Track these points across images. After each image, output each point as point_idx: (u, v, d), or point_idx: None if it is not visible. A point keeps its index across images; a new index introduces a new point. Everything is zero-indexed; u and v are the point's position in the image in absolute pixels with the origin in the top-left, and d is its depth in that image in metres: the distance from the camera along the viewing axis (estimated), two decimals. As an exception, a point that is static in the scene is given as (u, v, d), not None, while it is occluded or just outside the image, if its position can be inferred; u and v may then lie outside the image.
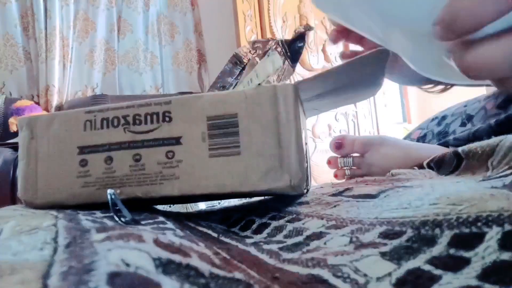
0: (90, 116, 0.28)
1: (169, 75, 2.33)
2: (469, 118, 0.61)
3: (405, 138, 0.69)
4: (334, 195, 0.30)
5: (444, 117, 0.64)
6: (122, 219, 0.24)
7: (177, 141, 0.28)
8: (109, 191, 0.26)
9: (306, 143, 0.34)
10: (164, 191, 0.28)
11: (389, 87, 2.49)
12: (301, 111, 0.31)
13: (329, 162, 0.59)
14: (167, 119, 0.28)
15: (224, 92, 0.28)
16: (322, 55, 2.35)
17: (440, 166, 0.36)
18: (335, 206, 0.27)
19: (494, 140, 0.30)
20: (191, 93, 2.15)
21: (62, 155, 0.28)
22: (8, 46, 1.88)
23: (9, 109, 1.67)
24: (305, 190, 0.33)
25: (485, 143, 0.30)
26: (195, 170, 0.27)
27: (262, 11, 2.25)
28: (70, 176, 0.28)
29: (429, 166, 0.39)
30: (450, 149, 0.37)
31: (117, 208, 0.24)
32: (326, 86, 0.48)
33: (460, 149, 0.33)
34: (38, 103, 1.92)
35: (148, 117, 0.28)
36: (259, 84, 0.29)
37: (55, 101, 1.97)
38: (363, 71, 0.48)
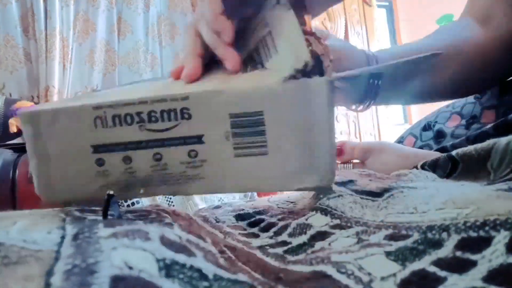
0: (99, 112, 0.26)
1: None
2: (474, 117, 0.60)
3: (397, 142, 0.68)
4: (337, 184, 0.30)
5: (440, 131, 0.63)
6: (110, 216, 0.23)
7: (199, 139, 0.26)
8: (108, 192, 0.24)
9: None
10: (191, 190, 0.27)
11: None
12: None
13: None
14: (186, 116, 0.26)
15: (246, 87, 0.25)
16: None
17: (434, 169, 0.36)
18: (338, 196, 0.27)
19: (488, 143, 0.29)
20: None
21: (75, 154, 0.26)
22: (9, 47, 1.88)
23: (9, 110, 1.67)
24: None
25: (479, 146, 0.30)
26: (220, 170, 0.26)
27: (263, 12, 2.25)
28: (87, 176, 0.27)
29: (423, 168, 0.39)
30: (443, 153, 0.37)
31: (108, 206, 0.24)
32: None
33: (454, 152, 0.33)
34: (38, 104, 1.92)
35: (165, 114, 0.26)
36: (285, 76, 0.25)
37: (55, 102, 1.97)
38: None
